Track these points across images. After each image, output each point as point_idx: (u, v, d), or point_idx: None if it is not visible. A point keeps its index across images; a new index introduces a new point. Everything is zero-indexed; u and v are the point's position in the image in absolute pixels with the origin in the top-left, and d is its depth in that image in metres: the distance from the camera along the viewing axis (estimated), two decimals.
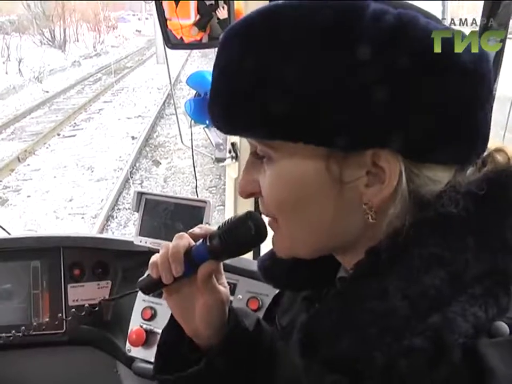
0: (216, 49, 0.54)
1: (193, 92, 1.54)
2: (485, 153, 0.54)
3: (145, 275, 0.72)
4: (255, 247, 0.69)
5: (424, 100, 0.47)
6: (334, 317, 0.49)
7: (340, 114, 0.47)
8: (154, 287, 0.72)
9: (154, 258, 0.70)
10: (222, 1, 1.30)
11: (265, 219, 0.66)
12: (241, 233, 0.66)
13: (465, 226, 0.49)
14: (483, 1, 1.04)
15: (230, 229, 0.67)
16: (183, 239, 0.69)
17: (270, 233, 0.68)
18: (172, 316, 0.75)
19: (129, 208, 5.59)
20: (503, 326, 0.45)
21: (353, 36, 0.46)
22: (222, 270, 0.74)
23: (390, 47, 0.46)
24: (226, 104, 0.52)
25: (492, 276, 0.47)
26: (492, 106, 0.52)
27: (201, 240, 0.69)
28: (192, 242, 0.70)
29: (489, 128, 0.52)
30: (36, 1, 22.03)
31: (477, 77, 0.49)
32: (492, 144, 0.54)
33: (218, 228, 0.68)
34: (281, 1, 0.51)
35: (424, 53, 0.47)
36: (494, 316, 0.45)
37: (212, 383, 0.73)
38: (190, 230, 0.70)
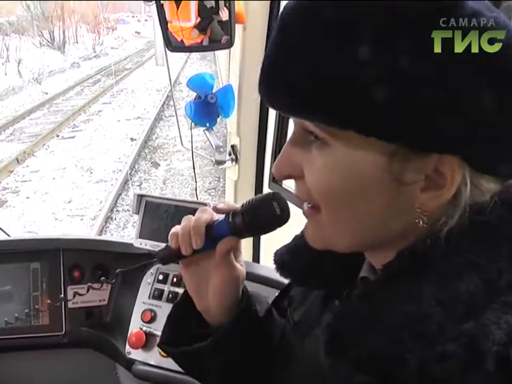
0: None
1: (193, 93, 1.54)
2: None
3: (164, 246, 0.73)
4: (277, 227, 0.68)
5: (489, 112, 0.45)
6: (364, 317, 0.48)
7: (399, 110, 0.45)
8: (172, 258, 0.73)
9: (175, 229, 0.71)
10: (223, 3, 1.31)
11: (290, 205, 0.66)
12: (264, 213, 0.66)
13: (500, 234, 0.48)
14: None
15: (253, 208, 0.67)
16: (206, 213, 0.70)
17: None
18: (185, 289, 0.76)
19: (128, 210, 5.59)
20: None
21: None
22: (241, 248, 0.75)
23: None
24: (286, 86, 0.49)
25: None
26: None
27: (223, 216, 0.70)
28: (215, 217, 0.70)
29: None
30: (35, 1, 22.05)
31: None
32: None
33: (242, 205, 0.68)
34: None
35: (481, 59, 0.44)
36: None
37: (215, 362, 0.73)
38: (214, 205, 0.71)
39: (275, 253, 0.70)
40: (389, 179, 0.48)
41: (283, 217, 0.66)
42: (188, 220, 0.70)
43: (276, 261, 0.69)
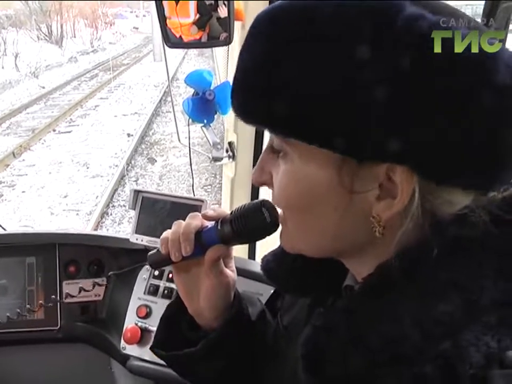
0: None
1: (190, 90, 1.54)
2: None
3: (155, 250, 0.72)
4: (267, 235, 0.68)
5: (445, 116, 0.43)
6: (342, 335, 0.47)
7: (344, 118, 0.45)
8: (162, 263, 0.72)
9: (166, 234, 0.70)
10: (222, 1, 1.30)
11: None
12: (253, 221, 0.65)
13: (484, 251, 0.46)
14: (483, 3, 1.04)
15: (242, 216, 0.66)
16: (196, 219, 0.69)
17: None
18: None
19: (124, 205, 5.59)
20: None
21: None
22: (232, 254, 0.74)
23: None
24: (243, 99, 0.51)
25: (508, 304, 0.44)
26: None
27: (213, 223, 0.69)
28: (205, 223, 0.69)
29: None
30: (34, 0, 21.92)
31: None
32: None
33: (231, 213, 0.67)
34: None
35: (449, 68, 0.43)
36: (508, 347, 0.42)
37: (206, 366, 0.73)
38: (204, 211, 0.70)
39: (262, 259, 0.70)
40: (341, 188, 0.49)
41: (273, 225, 0.65)
42: (178, 226, 0.69)
43: (262, 267, 0.69)
